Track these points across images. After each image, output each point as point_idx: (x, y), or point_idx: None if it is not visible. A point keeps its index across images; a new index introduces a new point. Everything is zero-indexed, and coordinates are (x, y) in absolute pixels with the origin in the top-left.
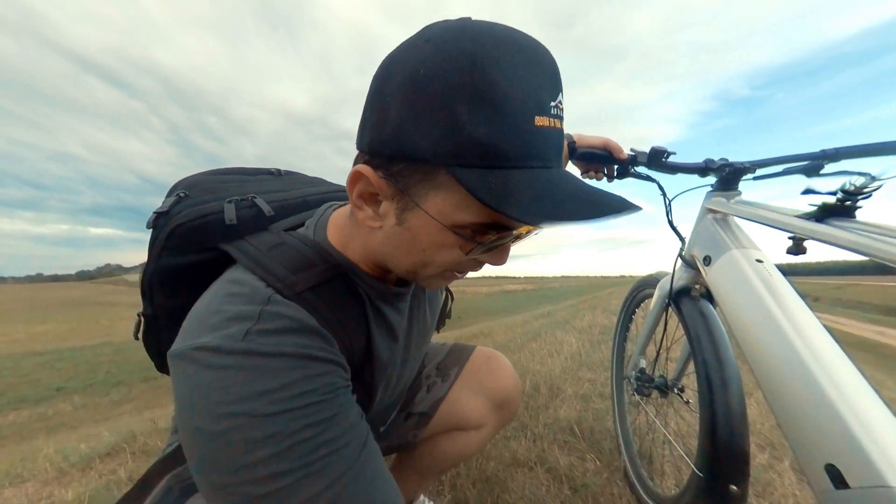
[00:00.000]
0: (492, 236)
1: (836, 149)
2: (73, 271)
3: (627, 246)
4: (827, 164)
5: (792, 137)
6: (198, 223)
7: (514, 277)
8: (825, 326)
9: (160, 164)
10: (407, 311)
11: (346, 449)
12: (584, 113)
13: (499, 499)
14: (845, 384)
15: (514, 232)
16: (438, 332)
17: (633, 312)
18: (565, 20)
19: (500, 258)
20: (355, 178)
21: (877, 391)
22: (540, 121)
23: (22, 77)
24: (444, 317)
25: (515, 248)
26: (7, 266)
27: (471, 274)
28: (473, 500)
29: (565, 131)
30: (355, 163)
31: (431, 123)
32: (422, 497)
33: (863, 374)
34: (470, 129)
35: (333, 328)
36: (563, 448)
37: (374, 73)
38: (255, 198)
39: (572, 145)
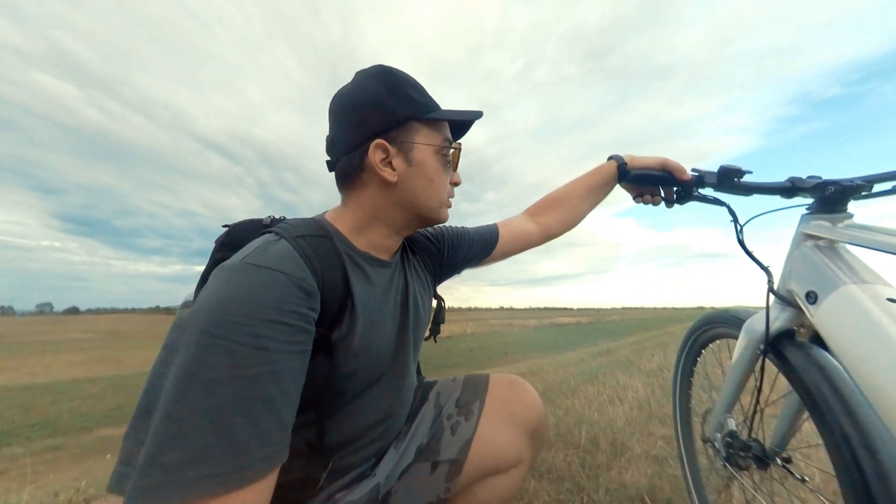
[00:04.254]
0: (450, 149)
1: None
2: (179, 301)
3: (693, 259)
4: None
5: None
6: (243, 223)
7: (567, 309)
8: None
9: (248, 214)
10: (400, 280)
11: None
12: (628, 134)
13: None
14: None
15: (452, 144)
16: (435, 341)
17: (699, 354)
18: (600, 52)
19: (457, 176)
20: (374, 150)
21: None
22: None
23: (168, 158)
24: (438, 321)
25: (563, 266)
26: (139, 300)
27: (517, 305)
28: None
29: (613, 153)
30: (364, 152)
31: (402, 100)
32: None
33: None
34: (417, 98)
35: (314, 269)
36: None
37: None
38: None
39: (623, 167)
